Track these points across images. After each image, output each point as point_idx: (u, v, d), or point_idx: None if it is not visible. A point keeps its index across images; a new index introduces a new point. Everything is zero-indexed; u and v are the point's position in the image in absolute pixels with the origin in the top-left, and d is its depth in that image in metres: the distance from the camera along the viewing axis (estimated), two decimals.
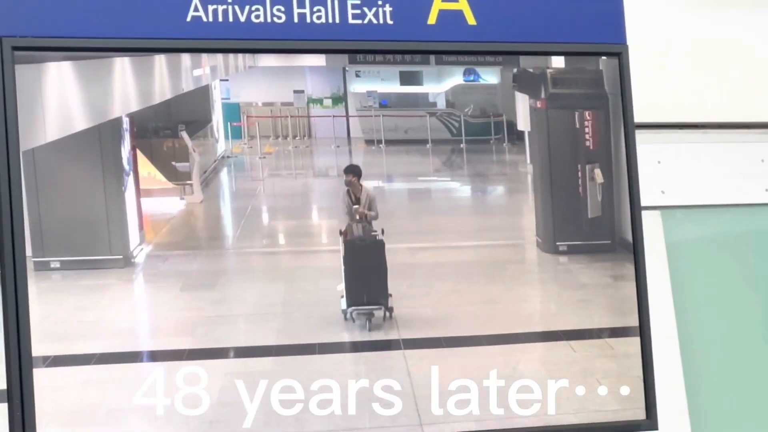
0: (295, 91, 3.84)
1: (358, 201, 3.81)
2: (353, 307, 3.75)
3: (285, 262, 3.80)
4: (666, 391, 4.03)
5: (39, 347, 3.43)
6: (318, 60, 3.85)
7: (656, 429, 3.88)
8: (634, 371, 3.88)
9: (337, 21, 3.71)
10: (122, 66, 3.62)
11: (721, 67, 4.39)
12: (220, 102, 3.81)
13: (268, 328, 3.69)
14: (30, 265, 3.45)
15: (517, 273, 3.92)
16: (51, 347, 3.46)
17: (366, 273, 3.81)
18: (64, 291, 3.54)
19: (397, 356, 3.74)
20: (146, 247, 3.67)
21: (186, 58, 3.69)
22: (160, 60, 3.67)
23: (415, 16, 3.78)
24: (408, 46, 3.81)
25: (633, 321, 3.89)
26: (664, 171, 4.31)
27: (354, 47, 3.79)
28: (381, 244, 3.78)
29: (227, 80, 3.79)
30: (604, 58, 3.95)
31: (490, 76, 3.99)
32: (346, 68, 3.88)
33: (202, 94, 3.78)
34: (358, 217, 3.81)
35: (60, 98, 3.55)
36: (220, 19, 3.63)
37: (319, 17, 3.70)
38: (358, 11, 3.73)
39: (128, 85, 3.64)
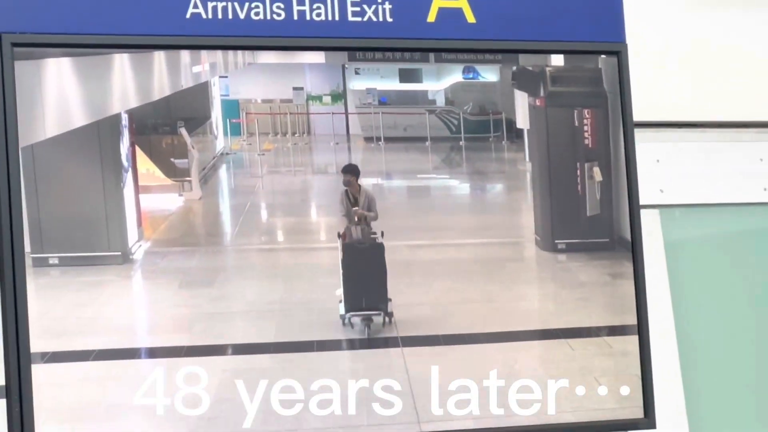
0: (295, 88, 3.83)
1: (356, 202, 3.79)
2: (351, 313, 3.72)
3: (284, 259, 3.80)
4: (664, 389, 4.03)
5: (37, 343, 3.42)
6: (317, 57, 3.84)
7: (654, 427, 3.87)
8: (632, 370, 3.88)
9: (337, 18, 3.71)
10: (121, 62, 3.61)
11: (720, 66, 4.39)
12: (219, 99, 3.81)
13: (266, 325, 3.68)
14: (29, 261, 3.45)
15: (515, 271, 3.91)
16: (49, 343, 3.46)
17: (365, 277, 3.78)
18: (63, 287, 3.53)
19: (396, 354, 3.74)
20: (145, 243, 3.66)
21: (185, 55, 3.69)
22: (159, 56, 3.67)
23: (415, 13, 3.78)
24: (407, 44, 3.81)
25: (631, 319, 3.89)
26: (663, 170, 4.31)
27: (353, 45, 3.78)
28: (380, 248, 3.75)
29: (226, 77, 3.79)
30: (603, 56, 3.95)
31: (489, 74, 3.99)
32: (346, 65, 3.88)
33: (202, 90, 3.78)
34: (356, 219, 3.79)
35: (59, 94, 3.54)
36: (220, 15, 3.63)
37: (318, 14, 3.70)
38: (358, 8, 3.73)
39: (127, 82, 3.63)
